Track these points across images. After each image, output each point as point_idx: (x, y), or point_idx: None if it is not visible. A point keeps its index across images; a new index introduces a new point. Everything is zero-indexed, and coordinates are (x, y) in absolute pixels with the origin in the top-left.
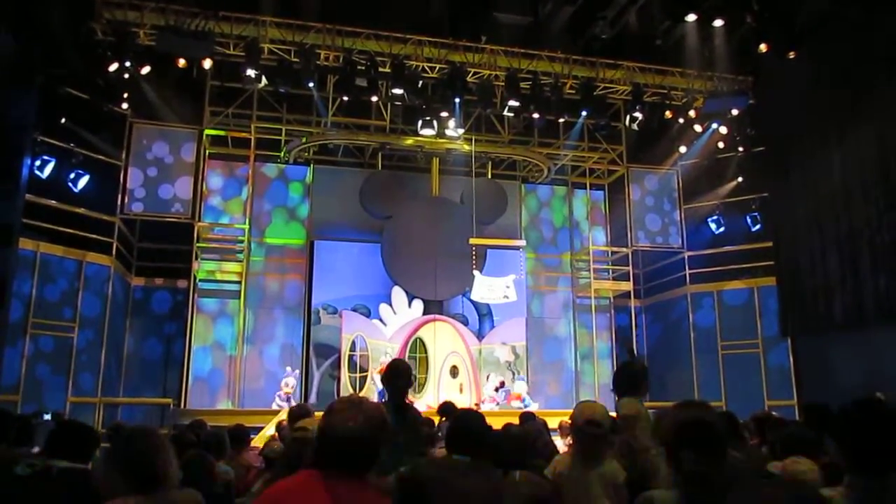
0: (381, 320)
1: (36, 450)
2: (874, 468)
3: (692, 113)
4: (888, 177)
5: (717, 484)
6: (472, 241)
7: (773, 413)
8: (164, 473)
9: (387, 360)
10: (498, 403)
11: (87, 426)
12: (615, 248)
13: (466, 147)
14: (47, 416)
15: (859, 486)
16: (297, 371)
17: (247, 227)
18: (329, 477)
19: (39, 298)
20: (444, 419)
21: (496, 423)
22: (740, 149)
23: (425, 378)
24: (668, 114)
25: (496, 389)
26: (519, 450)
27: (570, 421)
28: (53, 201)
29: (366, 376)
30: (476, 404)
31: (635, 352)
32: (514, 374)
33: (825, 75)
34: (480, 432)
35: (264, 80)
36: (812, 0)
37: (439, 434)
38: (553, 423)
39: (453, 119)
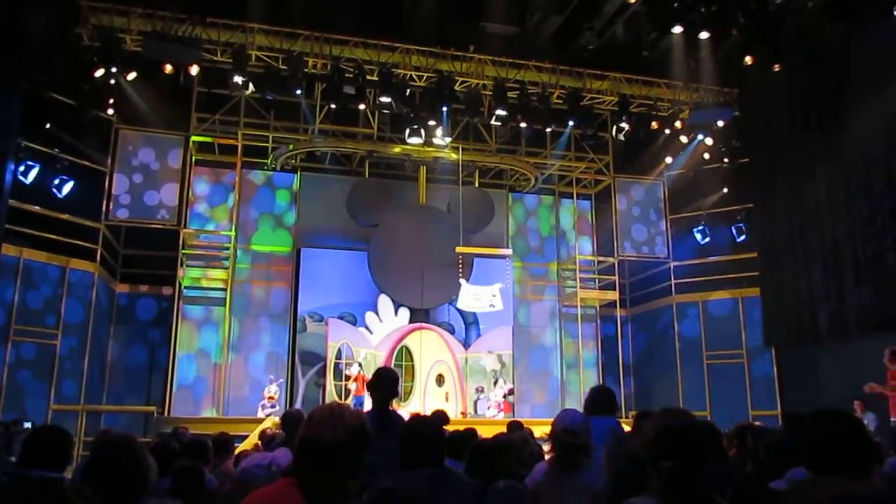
0: (367, 328)
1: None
2: (843, 473)
3: (678, 124)
4: (871, 189)
5: (696, 492)
6: (459, 249)
7: (757, 423)
8: (145, 480)
9: (355, 369)
10: (501, 410)
11: (62, 431)
12: (601, 258)
13: (454, 156)
14: (28, 424)
15: None
16: (282, 380)
17: (233, 234)
18: (308, 485)
19: (22, 305)
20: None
21: (486, 433)
22: (725, 160)
23: (411, 386)
24: (654, 125)
25: (504, 396)
26: (503, 459)
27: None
28: (37, 207)
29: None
30: (462, 413)
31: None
32: (501, 379)
33: (809, 88)
34: (436, 440)
35: (251, 87)
36: (797, 14)
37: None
38: (539, 431)
39: (441, 128)
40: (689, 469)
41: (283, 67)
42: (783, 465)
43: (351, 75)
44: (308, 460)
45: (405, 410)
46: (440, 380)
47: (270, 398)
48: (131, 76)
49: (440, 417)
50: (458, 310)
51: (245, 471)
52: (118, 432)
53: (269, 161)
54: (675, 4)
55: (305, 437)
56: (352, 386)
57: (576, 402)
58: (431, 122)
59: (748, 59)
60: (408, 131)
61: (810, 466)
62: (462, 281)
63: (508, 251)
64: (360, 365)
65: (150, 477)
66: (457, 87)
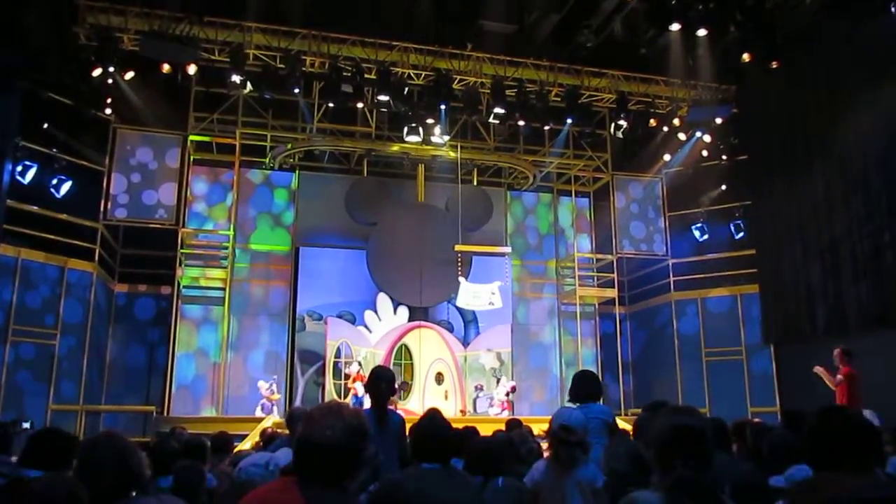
0: (366, 327)
1: (14, 459)
2: (847, 470)
3: (676, 121)
4: (869, 186)
5: (703, 490)
6: (458, 247)
7: (756, 420)
8: (137, 475)
9: (354, 368)
10: (506, 408)
11: (66, 434)
12: (600, 256)
13: (452, 154)
14: (26, 424)
15: None
16: (274, 377)
17: (231, 233)
18: (307, 484)
19: (20, 305)
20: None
21: (486, 431)
22: (724, 157)
23: (410, 385)
24: (652, 122)
25: (507, 394)
26: (502, 456)
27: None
28: (35, 207)
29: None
30: (461, 411)
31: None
32: (503, 377)
33: (807, 85)
34: (446, 438)
35: (249, 86)
36: (795, 11)
37: None
38: (538, 429)
39: (439, 126)
40: (699, 468)
41: (281, 66)
42: (784, 461)
43: (349, 74)
44: (307, 459)
45: (402, 409)
46: (439, 378)
47: (270, 398)
48: (129, 75)
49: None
50: (457, 308)
51: (243, 470)
52: (111, 431)
53: (267, 160)
54: (673, 2)
55: (304, 435)
56: (353, 385)
57: None
58: (430, 121)
59: (746, 57)
60: (406, 130)
61: (815, 463)
62: (461, 279)
63: (507, 249)
64: (359, 364)
65: (142, 472)
66: (455, 86)
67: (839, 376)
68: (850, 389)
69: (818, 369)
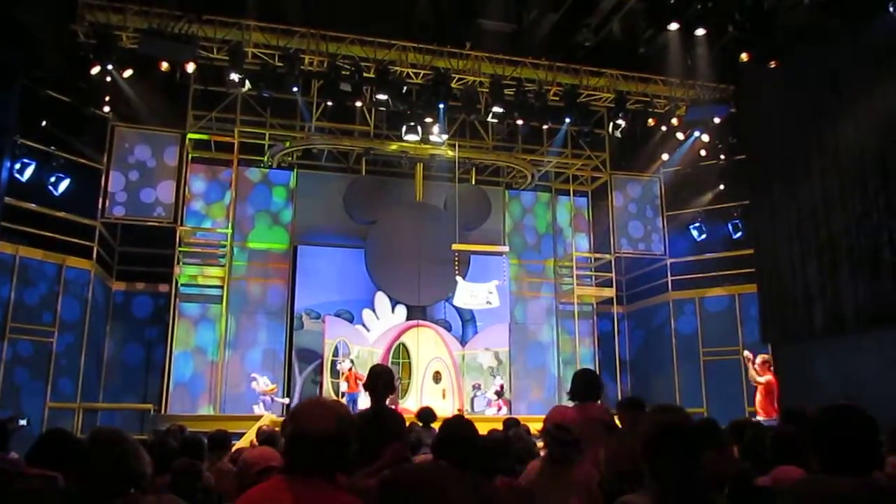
0: (364, 325)
1: (13, 455)
2: (852, 469)
3: (675, 121)
4: (866, 185)
5: (693, 491)
6: (455, 246)
7: (754, 419)
8: (140, 473)
9: (346, 365)
10: (502, 408)
11: (74, 436)
12: (598, 255)
13: (450, 153)
14: (23, 422)
15: None
16: (266, 376)
17: (229, 231)
18: (298, 480)
19: (18, 302)
20: (421, 425)
21: (482, 429)
22: (722, 157)
23: (408, 383)
24: (650, 121)
25: (496, 393)
26: (498, 455)
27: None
28: (33, 205)
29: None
30: (459, 409)
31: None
32: (497, 376)
33: (806, 84)
34: (467, 440)
35: (248, 85)
36: (793, 9)
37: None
38: (534, 428)
39: (437, 125)
40: (686, 467)
41: (280, 65)
42: (781, 461)
43: (347, 72)
44: (298, 455)
45: (401, 408)
46: (437, 377)
47: (269, 391)
48: (127, 73)
49: (428, 413)
50: (455, 307)
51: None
52: (113, 429)
53: (265, 158)
54: (672, 1)
55: (297, 430)
56: (344, 384)
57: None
58: (428, 120)
59: (744, 56)
60: (404, 128)
61: (820, 463)
62: (458, 278)
63: (505, 248)
64: (351, 361)
65: (142, 470)
66: (453, 85)
67: (760, 380)
68: (766, 395)
69: (747, 354)
